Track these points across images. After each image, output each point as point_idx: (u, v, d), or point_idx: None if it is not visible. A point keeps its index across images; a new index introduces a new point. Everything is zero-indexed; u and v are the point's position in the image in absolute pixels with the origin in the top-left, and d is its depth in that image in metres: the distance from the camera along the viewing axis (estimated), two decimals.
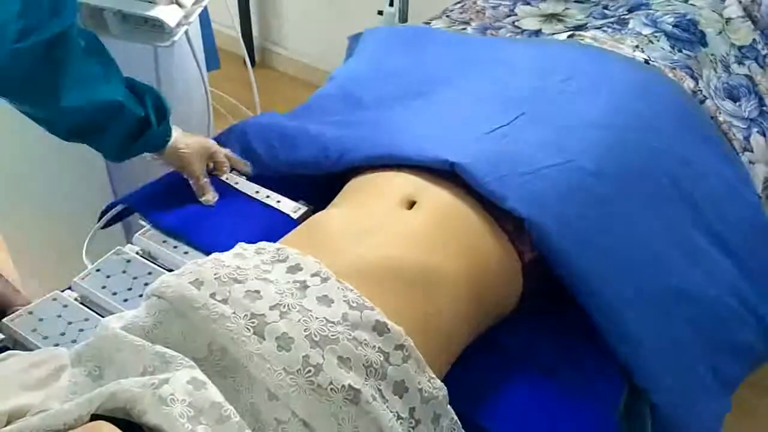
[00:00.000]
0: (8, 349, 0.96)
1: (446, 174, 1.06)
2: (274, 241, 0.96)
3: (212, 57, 1.78)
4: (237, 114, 1.78)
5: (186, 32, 1.31)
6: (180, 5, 1.17)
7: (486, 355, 0.99)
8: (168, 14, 1.11)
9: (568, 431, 0.93)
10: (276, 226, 1.12)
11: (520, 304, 1.06)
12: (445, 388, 0.83)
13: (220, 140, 1.31)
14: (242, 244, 0.93)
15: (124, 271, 1.07)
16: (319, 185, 1.25)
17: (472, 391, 0.93)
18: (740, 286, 1.16)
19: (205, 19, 1.66)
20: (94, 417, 0.67)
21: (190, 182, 1.21)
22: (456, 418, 0.84)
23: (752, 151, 1.37)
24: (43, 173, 1.45)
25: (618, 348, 1.01)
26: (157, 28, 1.14)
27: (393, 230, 0.96)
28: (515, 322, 1.06)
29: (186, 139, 1.19)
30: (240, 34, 1.67)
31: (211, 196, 1.21)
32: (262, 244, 0.92)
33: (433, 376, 0.82)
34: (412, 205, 1.02)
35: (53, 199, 1.48)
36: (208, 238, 1.13)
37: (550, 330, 1.05)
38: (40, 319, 0.99)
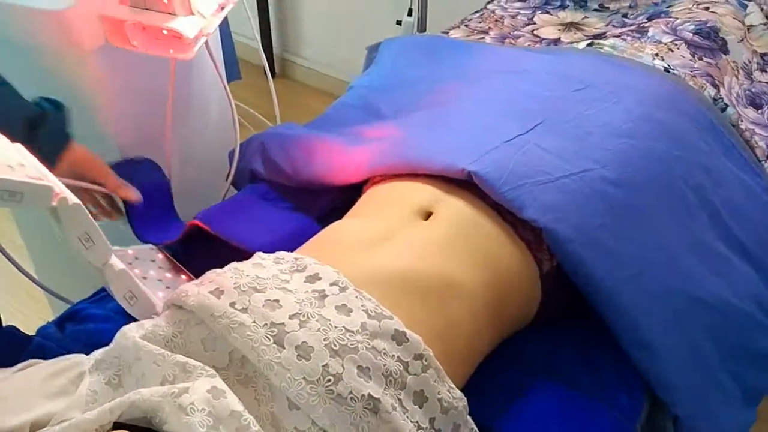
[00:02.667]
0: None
1: (464, 183, 1.06)
2: None
3: (233, 68, 1.79)
4: (257, 124, 1.79)
5: (206, 44, 1.32)
6: (200, 15, 1.18)
7: (506, 365, 0.99)
8: (187, 26, 1.12)
9: None
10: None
11: (539, 314, 1.06)
12: (465, 398, 0.83)
13: (241, 150, 1.32)
14: (260, 253, 0.93)
15: None
16: (339, 195, 1.26)
17: (492, 402, 0.93)
18: (763, 294, 1.15)
19: (225, 30, 1.67)
20: (116, 425, 0.68)
21: (103, 188, 1.14)
22: (476, 428, 0.83)
23: None
24: None
25: (636, 356, 1.00)
26: (177, 39, 1.15)
27: (410, 240, 0.96)
28: (535, 331, 1.05)
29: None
30: (260, 44, 1.68)
31: (133, 194, 1.15)
32: (281, 253, 0.92)
33: (453, 386, 0.82)
34: (428, 215, 1.03)
35: None
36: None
37: (570, 340, 1.04)
38: None
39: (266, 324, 0.77)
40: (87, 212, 0.85)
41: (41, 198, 0.80)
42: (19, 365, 0.82)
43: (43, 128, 1.02)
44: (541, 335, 1.05)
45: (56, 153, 1.05)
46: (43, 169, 0.83)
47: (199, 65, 1.48)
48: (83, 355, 0.83)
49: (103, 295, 1.10)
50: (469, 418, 0.83)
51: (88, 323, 1.04)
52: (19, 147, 0.83)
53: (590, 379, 0.99)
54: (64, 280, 1.60)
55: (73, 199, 0.83)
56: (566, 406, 0.94)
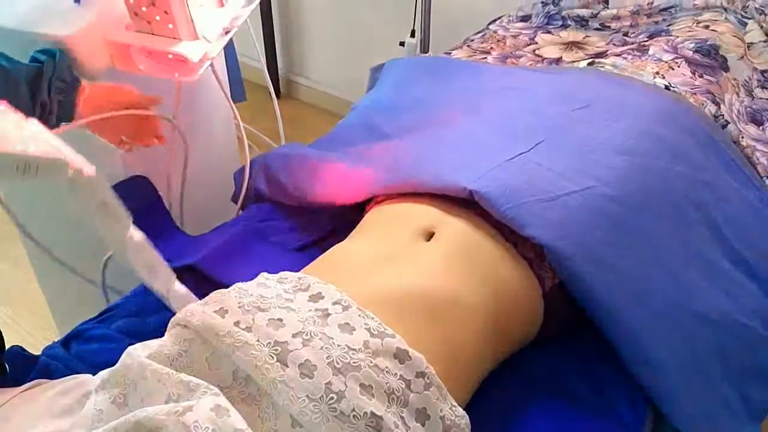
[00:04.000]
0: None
1: (466, 202, 1.06)
2: None
3: (238, 89, 1.81)
4: (262, 145, 1.80)
5: (212, 66, 1.34)
6: (205, 39, 1.20)
7: (508, 381, 0.99)
8: (192, 50, 1.14)
9: None
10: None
11: (542, 331, 1.06)
12: (467, 416, 0.83)
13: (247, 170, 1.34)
14: (264, 273, 0.94)
15: None
16: (343, 215, 1.27)
17: (495, 419, 0.93)
18: (766, 309, 1.14)
19: (231, 52, 1.70)
20: None
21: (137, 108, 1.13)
22: None
23: None
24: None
25: (639, 373, 1.00)
26: (182, 63, 1.17)
27: (413, 259, 0.97)
28: (537, 347, 1.05)
29: None
30: (265, 66, 1.70)
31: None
32: (284, 273, 0.93)
33: (455, 404, 0.82)
34: (431, 235, 1.03)
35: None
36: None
37: (572, 356, 1.05)
38: None
39: (270, 342, 0.78)
40: (105, 184, 0.85)
41: (56, 171, 0.80)
42: (26, 385, 0.83)
43: (51, 79, 1.00)
44: (543, 351, 1.05)
45: (72, 97, 1.04)
46: (58, 143, 0.82)
47: (205, 87, 1.50)
48: (89, 375, 0.84)
49: (108, 315, 1.12)
50: None
51: (93, 343, 1.05)
52: (33, 121, 0.83)
53: (593, 394, 0.99)
54: (67, 292, 1.62)
55: (89, 171, 0.83)
56: (569, 423, 0.95)
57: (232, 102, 1.52)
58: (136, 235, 0.90)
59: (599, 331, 1.01)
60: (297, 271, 0.99)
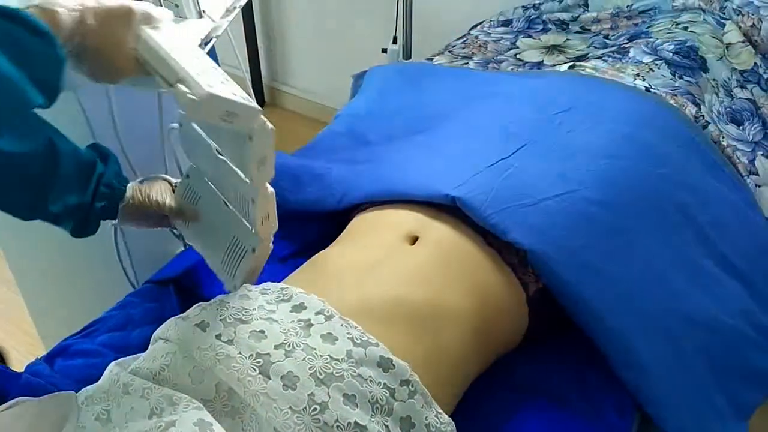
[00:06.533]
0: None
1: (449, 208, 1.07)
2: None
3: None
4: None
5: None
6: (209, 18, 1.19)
7: (495, 386, 0.99)
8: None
9: None
10: None
11: (527, 335, 1.06)
12: (453, 423, 0.83)
13: None
14: (247, 285, 0.94)
15: None
16: (326, 223, 1.27)
17: (482, 425, 0.93)
18: (751, 310, 1.15)
19: (212, 59, 1.69)
20: None
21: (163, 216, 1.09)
22: None
23: (758, 174, 1.37)
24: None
25: (626, 376, 1.00)
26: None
27: (396, 267, 0.97)
28: (524, 352, 1.06)
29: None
30: (246, 74, 1.70)
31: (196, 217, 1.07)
32: (267, 284, 0.93)
33: (440, 411, 0.82)
34: (415, 240, 1.03)
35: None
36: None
37: (557, 359, 1.05)
38: None
39: (252, 355, 0.78)
40: (273, 138, 0.87)
41: (249, 119, 0.83)
42: (7, 404, 0.82)
43: (101, 182, 0.98)
44: (529, 356, 1.05)
45: (116, 202, 1.01)
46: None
47: None
48: (72, 392, 0.83)
49: (92, 330, 1.11)
50: None
51: (78, 358, 1.04)
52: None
53: (580, 398, 0.99)
54: (56, 311, 1.60)
55: (269, 124, 0.86)
56: (556, 427, 0.95)
57: None
58: (269, 188, 0.92)
59: (584, 334, 1.01)
60: (281, 280, 0.99)
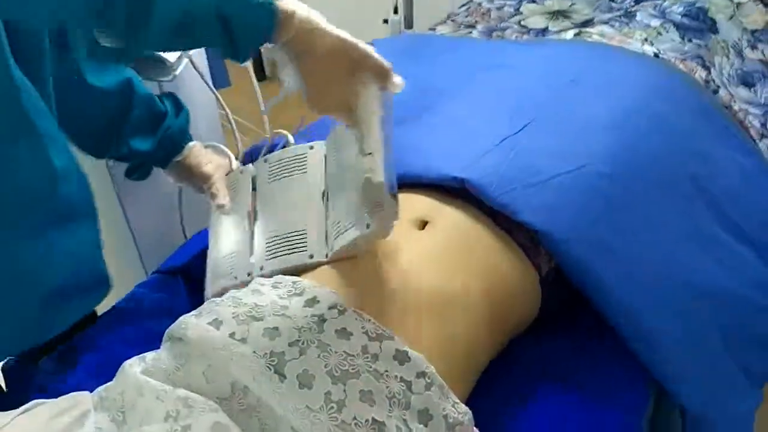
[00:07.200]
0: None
1: (457, 191, 1.05)
2: None
3: (221, 75, 1.78)
4: (245, 130, 1.78)
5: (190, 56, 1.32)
6: None
7: (507, 371, 0.99)
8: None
9: None
10: None
11: (538, 315, 1.05)
12: (470, 411, 0.83)
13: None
14: (259, 279, 0.93)
15: None
16: None
17: (495, 410, 0.92)
18: (764, 276, 1.14)
19: None
20: None
21: (204, 187, 1.10)
22: None
23: None
24: None
25: (640, 350, 0.99)
26: (159, 63, 1.15)
27: (408, 253, 0.96)
28: (535, 335, 1.05)
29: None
30: None
31: (225, 201, 1.07)
32: (279, 277, 0.92)
33: (457, 400, 0.82)
34: (424, 225, 1.02)
35: None
36: None
37: (570, 341, 1.04)
38: None
39: (266, 354, 0.77)
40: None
41: (388, 219, 0.88)
42: (23, 407, 0.82)
43: (167, 129, 1.02)
44: (540, 338, 1.04)
45: (174, 156, 1.05)
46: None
47: (186, 75, 1.47)
48: (87, 393, 0.83)
49: (101, 322, 1.11)
50: (476, 429, 0.83)
51: (88, 353, 1.04)
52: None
53: (593, 379, 0.98)
54: None
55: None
56: (571, 409, 0.94)
57: (214, 89, 1.49)
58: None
59: (596, 313, 1.01)
60: None
